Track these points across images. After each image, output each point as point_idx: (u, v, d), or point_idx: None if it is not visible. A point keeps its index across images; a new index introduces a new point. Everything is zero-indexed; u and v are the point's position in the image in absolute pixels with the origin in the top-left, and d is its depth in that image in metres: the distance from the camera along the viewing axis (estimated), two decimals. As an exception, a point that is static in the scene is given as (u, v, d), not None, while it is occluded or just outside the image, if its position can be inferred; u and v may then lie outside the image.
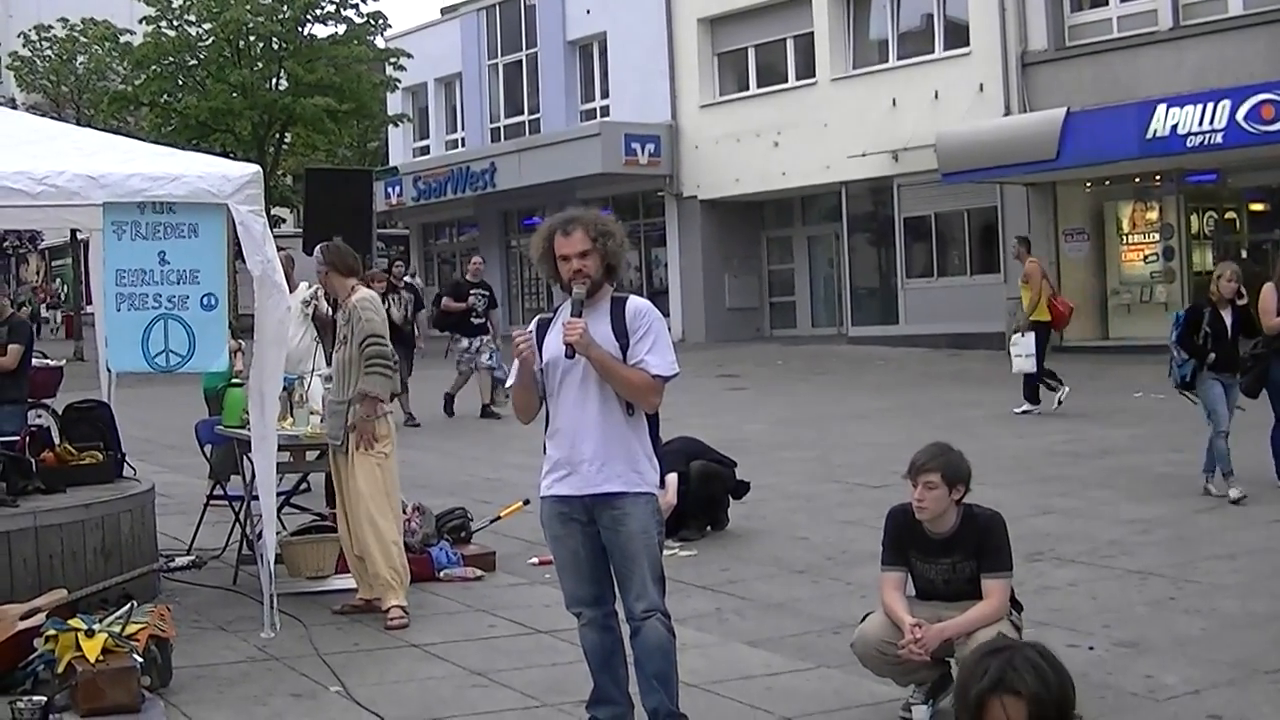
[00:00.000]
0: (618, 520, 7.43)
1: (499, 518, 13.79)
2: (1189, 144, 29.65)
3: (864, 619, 8.27)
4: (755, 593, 11.56)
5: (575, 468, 7.47)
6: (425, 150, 56.45)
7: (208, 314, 10.04)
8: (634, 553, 7.43)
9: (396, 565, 10.79)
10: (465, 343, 25.44)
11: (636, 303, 7.69)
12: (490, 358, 25.31)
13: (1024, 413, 22.45)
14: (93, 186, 9.78)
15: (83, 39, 57.15)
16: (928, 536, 8.02)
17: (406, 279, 26.82)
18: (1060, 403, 22.69)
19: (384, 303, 21.92)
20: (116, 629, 8.64)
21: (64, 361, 19.43)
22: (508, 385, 7.95)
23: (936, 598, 8.08)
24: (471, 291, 25.83)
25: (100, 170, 9.87)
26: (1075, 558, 12.38)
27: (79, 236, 42.14)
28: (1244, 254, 35.15)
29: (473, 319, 25.54)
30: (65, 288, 59.95)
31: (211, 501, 13.84)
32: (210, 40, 49.86)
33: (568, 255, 7.49)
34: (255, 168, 10.45)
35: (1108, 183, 34.68)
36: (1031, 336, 23.02)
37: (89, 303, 45.81)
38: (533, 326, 7.82)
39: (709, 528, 14.15)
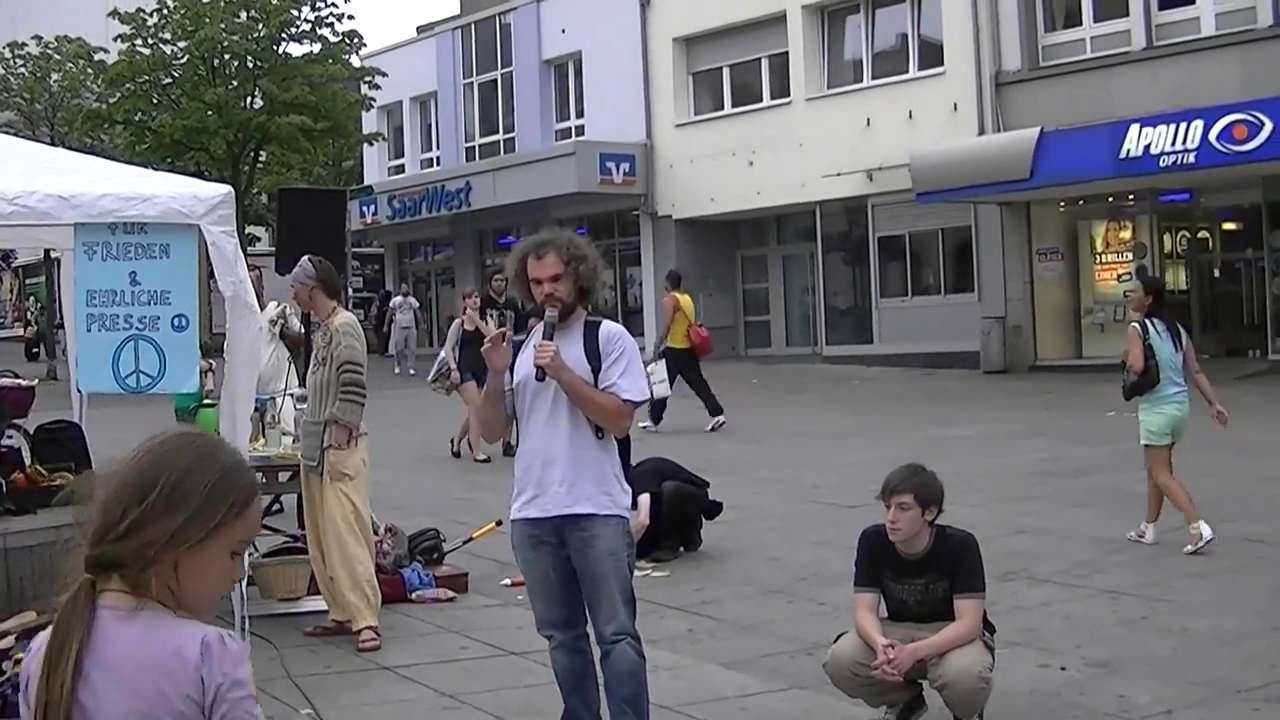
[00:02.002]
0: (587, 542, 7.44)
1: (471, 539, 13.76)
2: (1162, 164, 29.71)
3: (837, 640, 8.27)
4: (728, 613, 11.56)
5: (545, 490, 7.48)
6: (400, 169, 56.40)
7: (179, 335, 10.00)
8: (603, 575, 7.43)
9: (365, 587, 10.76)
10: None
11: (609, 327, 7.70)
12: None
13: (644, 428, 22.77)
14: (64, 207, 9.73)
15: (57, 56, 56.96)
16: (901, 557, 8.02)
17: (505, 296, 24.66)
18: (715, 429, 24.62)
19: (483, 319, 21.87)
20: (86, 651, 8.60)
21: (36, 381, 19.31)
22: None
23: (909, 619, 8.08)
24: (493, 311, 23.43)
25: (72, 190, 9.83)
26: (1048, 577, 12.40)
27: (53, 255, 42.23)
28: (1217, 273, 35.36)
29: None
30: (39, 306, 59.68)
31: (183, 522, 13.76)
32: (185, 58, 49.75)
33: (540, 279, 7.51)
34: (227, 188, 10.42)
35: (1081, 202, 34.79)
36: (663, 364, 24.82)
37: (34, 321, 45.87)
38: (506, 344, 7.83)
39: (682, 548, 14.14)
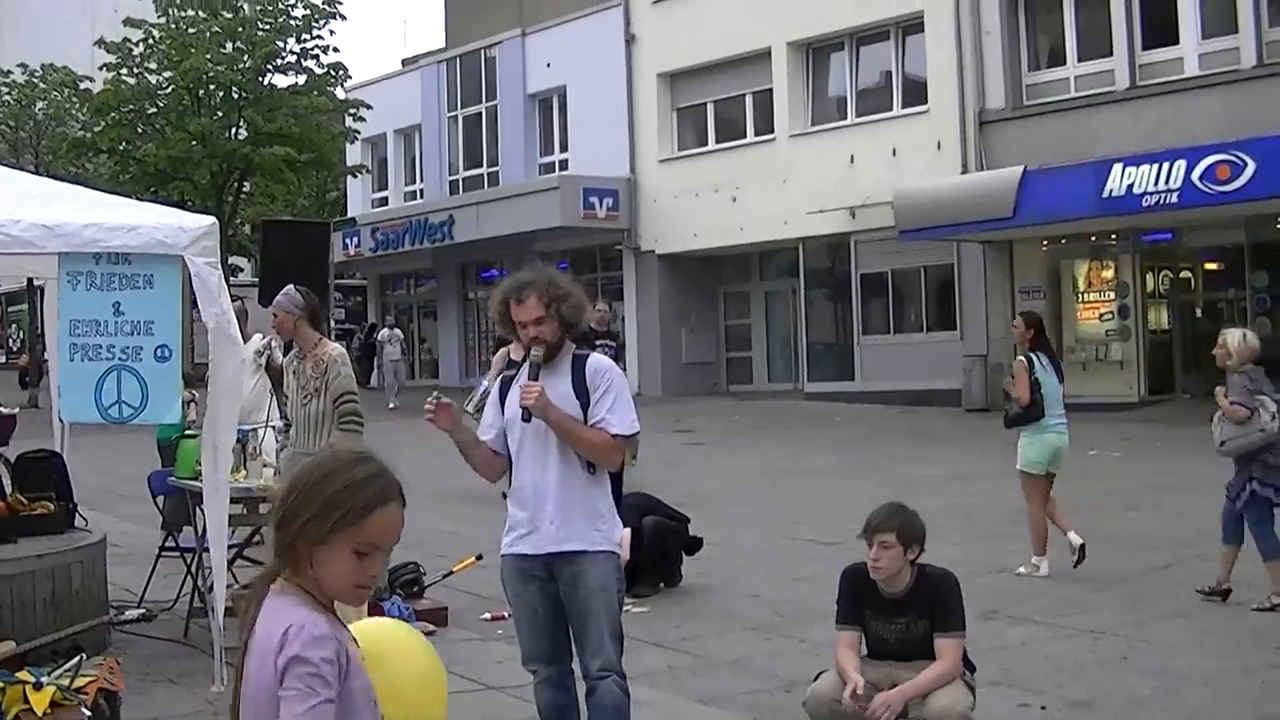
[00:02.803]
0: (578, 577, 7.45)
1: (452, 572, 13.73)
2: (1145, 203, 29.77)
3: (817, 677, 8.28)
4: (708, 650, 11.54)
5: (537, 526, 7.49)
6: (384, 201, 56.43)
7: (161, 365, 9.99)
8: (593, 610, 7.44)
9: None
10: None
11: (597, 361, 7.72)
12: None
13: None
14: (48, 236, 9.73)
15: (42, 85, 57.02)
16: (882, 596, 8.04)
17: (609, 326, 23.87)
18: None
19: (593, 348, 21.27)
20: (65, 681, 8.58)
21: (17, 410, 19.31)
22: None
23: (890, 657, 8.10)
24: (598, 343, 21.34)
25: (56, 220, 9.82)
26: (1028, 616, 12.40)
27: (35, 283, 42.19)
28: (1199, 312, 35.42)
29: None
30: (21, 334, 59.67)
31: (163, 553, 13.75)
32: (170, 88, 49.75)
33: (523, 322, 7.51)
34: (211, 219, 10.42)
35: (1064, 241, 34.84)
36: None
37: (30, 349, 45.81)
38: (496, 385, 7.84)
39: (662, 584, 14.13)
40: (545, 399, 7.41)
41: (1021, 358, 14.96)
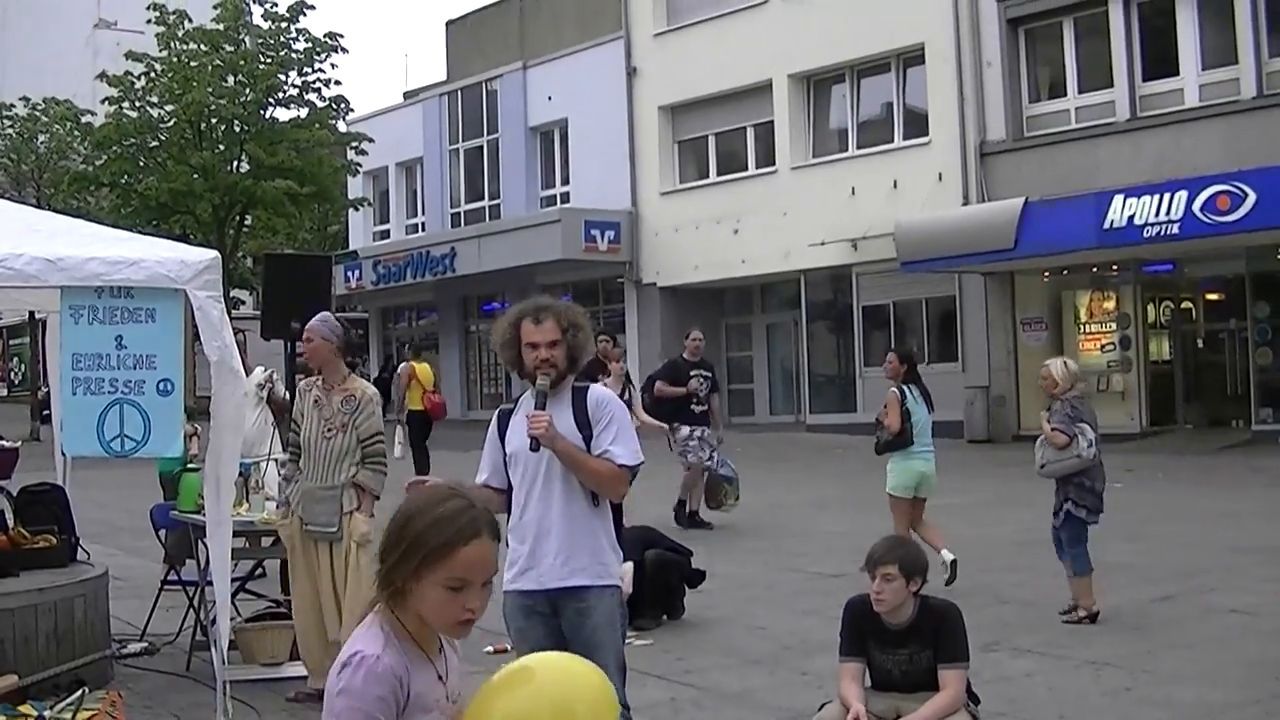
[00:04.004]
0: (583, 613, 7.44)
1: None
2: (1146, 234, 29.82)
3: (821, 709, 8.27)
4: (711, 682, 11.51)
5: (538, 562, 7.49)
6: (385, 234, 56.51)
7: (164, 399, 10.00)
8: (599, 644, 7.42)
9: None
10: (686, 431, 21.37)
11: (598, 392, 7.72)
12: (711, 455, 21.35)
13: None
14: (51, 270, 9.74)
15: (44, 118, 57.14)
16: (885, 627, 8.03)
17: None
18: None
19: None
20: (68, 715, 8.60)
21: (19, 443, 19.31)
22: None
23: (894, 688, 8.08)
24: (692, 374, 21.93)
25: (58, 253, 9.84)
26: (1031, 648, 12.37)
27: (37, 316, 42.27)
28: (1200, 343, 35.43)
29: (694, 406, 21.60)
30: (23, 367, 59.66)
31: (166, 586, 13.75)
32: (172, 122, 49.86)
33: (537, 343, 7.51)
34: (214, 253, 10.44)
35: (1065, 272, 34.90)
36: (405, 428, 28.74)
37: (46, 383, 45.71)
38: (494, 419, 7.84)
39: (664, 617, 14.10)
40: (553, 429, 7.41)
41: (894, 389, 16.07)
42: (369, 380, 13.66)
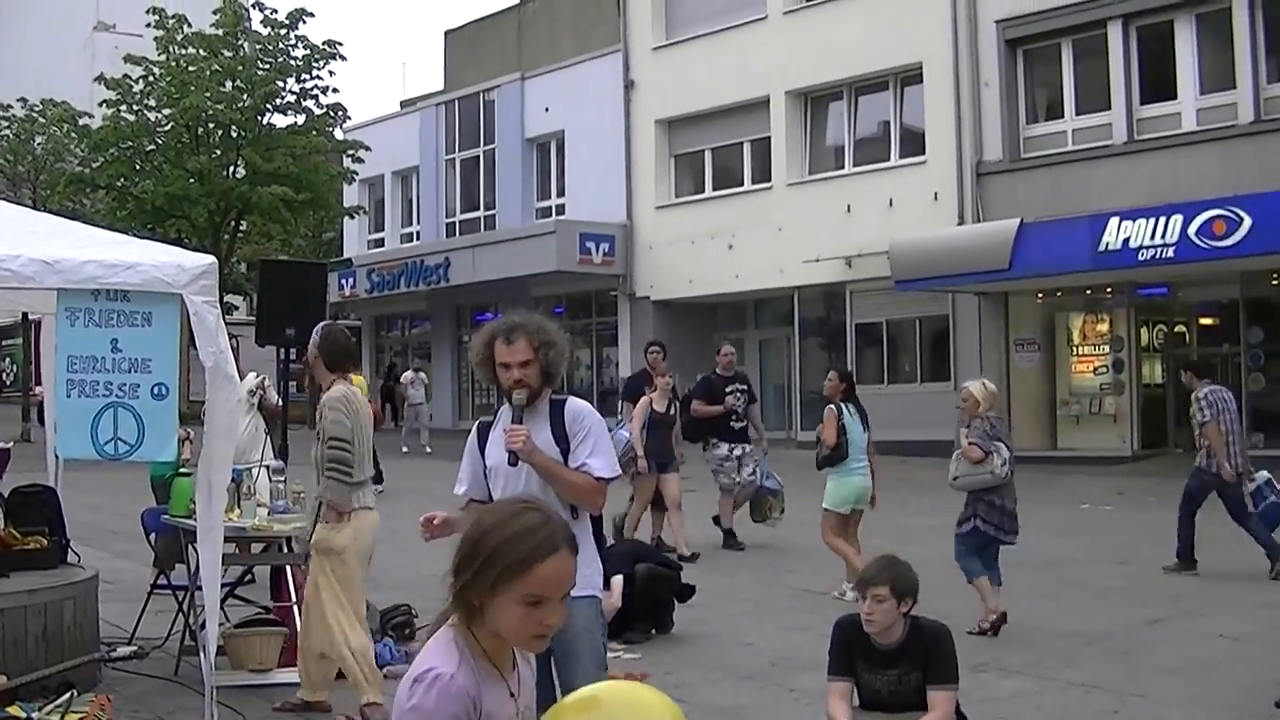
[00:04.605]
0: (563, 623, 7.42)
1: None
2: (1140, 257, 29.83)
3: (809, 727, 8.26)
4: (700, 697, 11.50)
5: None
6: (380, 243, 56.49)
7: (158, 403, 9.99)
8: (578, 653, 7.43)
9: (351, 660, 10.61)
10: (725, 450, 20.74)
11: (575, 405, 7.73)
12: (753, 470, 20.82)
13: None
14: (47, 272, 9.74)
15: (41, 120, 57.17)
16: (875, 647, 8.03)
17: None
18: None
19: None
20: (56, 717, 8.57)
21: (10, 444, 19.29)
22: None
23: (882, 708, 8.08)
24: (728, 389, 21.19)
25: (55, 256, 9.83)
26: (1020, 669, 12.39)
27: (30, 318, 42.12)
28: (1184, 371, 35.38)
29: (732, 422, 20.93)
30: (15, 369, 59.53)
31: (155, 590, 13.73)
32: (169, 126, 49.93)
33: (509, 364, 7.52)
34: (210, 259, 10.43)
35: (1059, 294, 34.90)
36: None
37: (38, 384, 45.63)
38: (474, 433, 7.85)
39: (654, 631, 14.12)
40: (531, 442, 7.44)
41: (831, 406, 16.71)
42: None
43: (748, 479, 20.75)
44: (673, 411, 19.93)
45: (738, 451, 20.76)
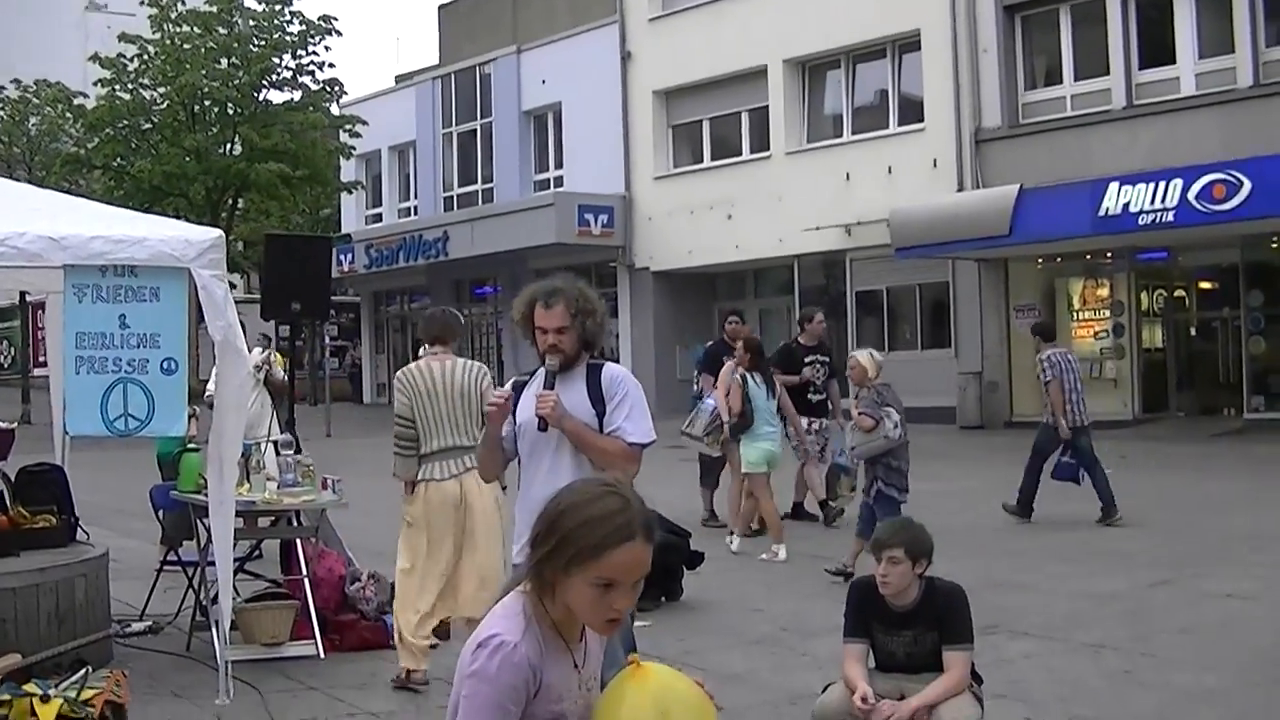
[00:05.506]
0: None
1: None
2: (1140, 222, 29.85)
3: (825, 689, 8.28)
4: (711, 664, 11.50)
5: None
6: (378, 218, 56.50)
7: (167, 378, 9.99)
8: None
9: (401, 630, 10.77)
10: (804, 423, 19.70)
11: (613, 370, 7.72)
12: (823, 448, 20.15)
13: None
14: (54, 249, 9.73)
15: (36, 100, 56.99)
16: (890, 609, 8.04)
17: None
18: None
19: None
20: (72, 694, 8.58)
21: (15, 424, 19.26)
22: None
23: (898, 670, 8.09)
24: (807, 360, 20.50)
25: (62, 232, 9.82)
26: (1030, 631, 12.40)
27: (29, 299, 42.20)
28: (1193, 331, 35.48)
29: (810, 395, 20.30)
30: (13, 350, 59.43)
31: (164, 567, 13.75)
32: (165, 104, 49.83)
33: (545, 328, 7.52)
34: (218, 232, 10.43)
35: (1059, 259, 34.90)
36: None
37: (37, 365, 45.62)
38: (509, 388, 7.84)
39: (663, 598, 14.12)
40: (561, 409, 7.42)
41: (737, 375, 17.40)
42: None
43: (814, 452, 19.98)
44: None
45: (815, 425, 20.10)
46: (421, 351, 11.02)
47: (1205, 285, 35.48)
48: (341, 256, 51.73)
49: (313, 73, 51.06)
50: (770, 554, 16.66)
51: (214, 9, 49.48)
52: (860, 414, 14.88)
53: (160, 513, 14.14)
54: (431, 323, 11.47)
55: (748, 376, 17.36)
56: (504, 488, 9.93)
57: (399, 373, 11.10)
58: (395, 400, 10.89)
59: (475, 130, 51.60)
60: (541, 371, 7.65)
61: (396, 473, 10.87)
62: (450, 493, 10.64)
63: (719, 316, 44.38)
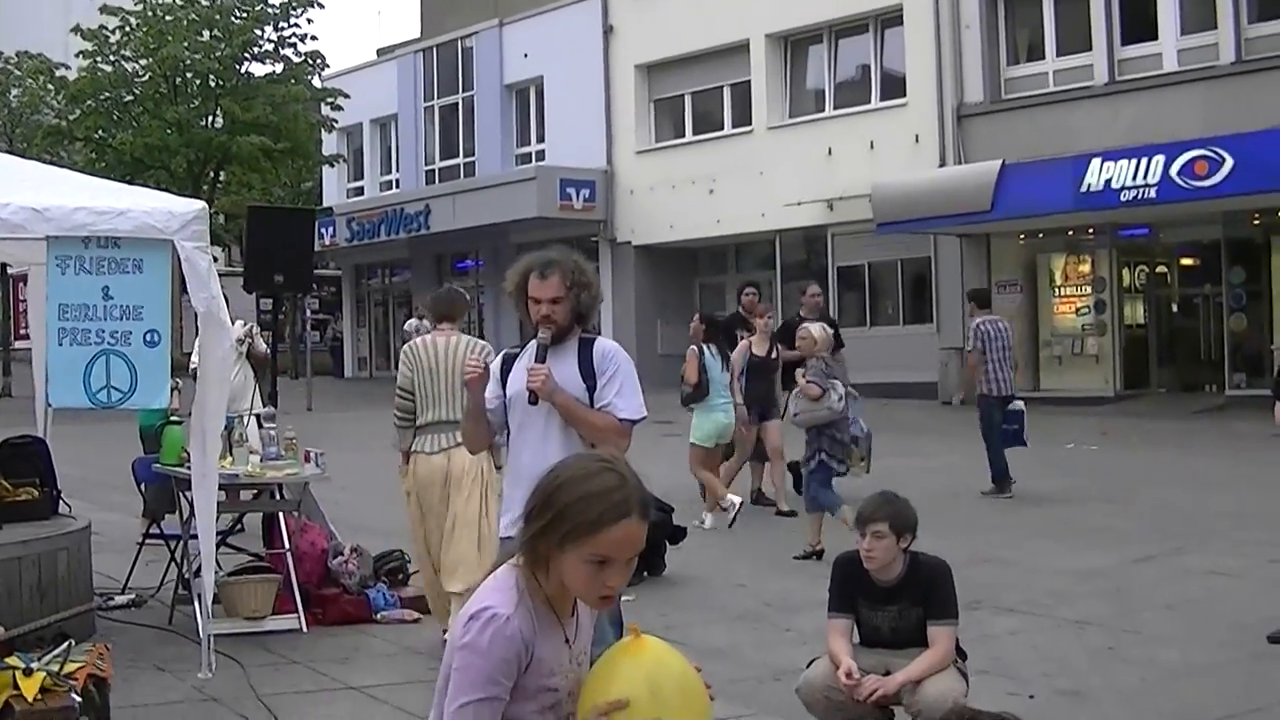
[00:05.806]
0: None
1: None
2: (1122, 198, 29.87)
3: (809, 665, 8.26)
4: (694, 639, 11.49)
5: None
6: (359, 191, 56.37)
7: (150, 350, 9.96)
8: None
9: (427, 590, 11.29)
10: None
11: (605, 344, 7.70)
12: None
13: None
14: (37, 220, 9.68)
15: (17, 72, 56.78)
16: (875, 584, 8.02)
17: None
18: None
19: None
20: (55, 667, 8.54)
21: (-4, 397, 19.24)
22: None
23: (882, 645, 8.08)
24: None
25: (45, 203, 9.77)
26: (1014, 606, 12.42)
27: (10, 271, 41.97)
28: (1175, 308, 35.51)
29: None
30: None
31: (146, 540, 13.72)
32: (147, 76, 49.73)
33: (540, 299, 7.49)
34: (201, 204, 10.41)
35: (1041, 235, 34.95)
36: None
37: (17, 338, 45.43)
38: (498, 361, 7.82)
39: (645, 573, 14.09)
40: (552, 382, 7.40)
41: (694, 347, 17.81)
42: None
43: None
44: (775, 355, 18.95)
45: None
46: (408, 325, 11.20)
47: (1187, 262, 35.52)
48: (323, 230, 51.52)
49: (294, 45, 50.96)
50: (699, 521, 17.11)
51: (195, -20, 49.36)
52: (808, 382, 15.15)
53: (142, 486, 14.12)
54: (438, 301, 11.76)
55: (704, 348, 17.80)
56: (499, 467, 9.92)
57: (405, 345, 11.34)
58: (402, 373, 11.07)
59: (457, 104, 51.48)
60: (532, 345, 7.63)
61: (397, 443, 11.17)
62: (437, 466, 10.70)
63: (700, 291, 44.67)
